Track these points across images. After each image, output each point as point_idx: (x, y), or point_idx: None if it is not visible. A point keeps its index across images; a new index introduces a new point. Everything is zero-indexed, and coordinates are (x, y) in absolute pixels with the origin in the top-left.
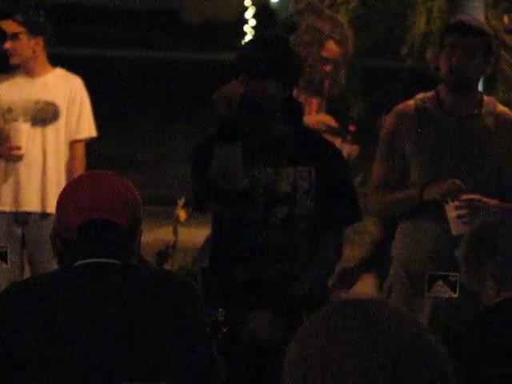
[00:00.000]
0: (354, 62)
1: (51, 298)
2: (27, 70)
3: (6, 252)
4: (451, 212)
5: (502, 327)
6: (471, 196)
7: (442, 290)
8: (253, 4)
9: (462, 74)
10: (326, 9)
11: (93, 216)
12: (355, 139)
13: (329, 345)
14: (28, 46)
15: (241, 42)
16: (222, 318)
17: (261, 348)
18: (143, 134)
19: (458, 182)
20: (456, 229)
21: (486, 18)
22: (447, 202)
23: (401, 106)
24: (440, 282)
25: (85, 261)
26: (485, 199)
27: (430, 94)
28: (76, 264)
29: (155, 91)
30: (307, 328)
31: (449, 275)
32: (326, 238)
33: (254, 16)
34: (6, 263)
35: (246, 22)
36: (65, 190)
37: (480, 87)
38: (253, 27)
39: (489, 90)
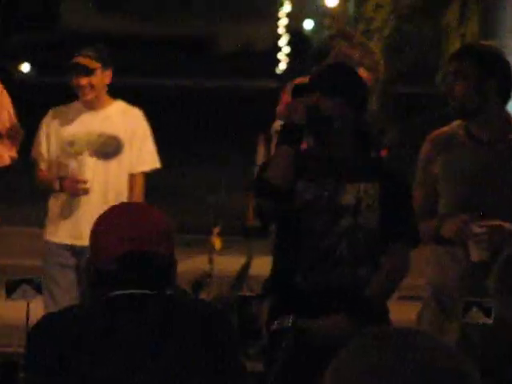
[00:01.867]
0: (388, 89)
1: (87, 329)
2: (87, 102)
3: (40, 283)
4: (473, 240)
5: None
6: (490, 222)
7: (477, 316)
8: (287, 32)
9: (451, 100)
10: (358, 35)
11: (133, 247)
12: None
13: (365, 375)
14: (102, 80)
15: (275, 70)
16: (289, 325)
17: (331, 351)
18: (180, 162)
19: (464, 216)
20: (475, 255)
21: None
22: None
23: (435, 132)
24: (475, 309)
25: (122, 292)
26: (505, 224)
27: (464, 121)
28: (113, 294)
29: (191, 118)
30: (344, 356)
31: (483, 301)
32: (390, 254)
33: (288, 43)
34: (41, 293)
35: (279, 49)
36: (100, 220)
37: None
38: (287, 54)
39: None
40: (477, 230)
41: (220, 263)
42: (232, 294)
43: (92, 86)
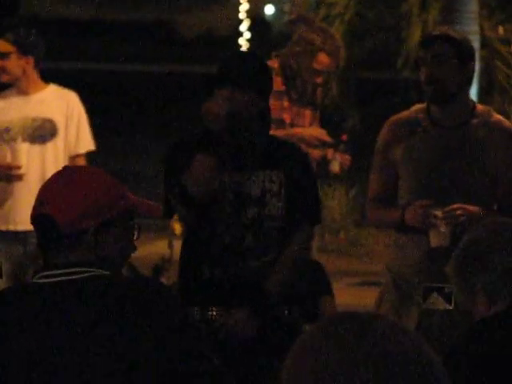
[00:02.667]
0: (349, 74)
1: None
2: (20, 88)
3: (0, 267)
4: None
5: (492, 342)
6: (452, 206)
7: (437, 302)
8: (247, 17)
9: (433, 84)
10: (318, 20)
11: (39, 211)
12: (348, 149)
13: (324, 358)
14: (17, 65)
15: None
16: (198, 317)
17: (236, 344)
18: (137, 147)
19: (424, 201)
20: (434, 240)
21: (481, 29)
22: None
23: (394, 117)
24: (435, 294)
25: (46, 275)
26: (466, 206)
27: (422, 105)
28: (36, 279)
29: (149, 104)
30: (303, 341)
31: (444, 287)
32: (292, 239)
33: (249, 29)
34: (1, 277)
35: (241, 34)
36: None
37: (474, 98)
38: (248, 40)
39: (485, 101)
40: (437, 214)
41: (180, 248)
42: None
43: (5, 70)
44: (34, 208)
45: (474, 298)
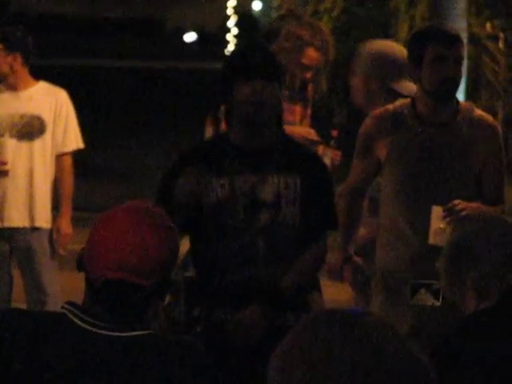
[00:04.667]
0: (337, 70)
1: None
2: (9, 85)
3: None
4: (436, 222)
5: (480, 338)
6: (452, 202)
7: (425, 299)
8: (235, 13)
9: (454, 84)
10: (307, 16)
11: (115, 276)
12: (338, 145)
13: (311, 355)
14: (5, 62)
15: (223, 51)
16: (197, 314)
17: (243, 343)
18: (127, 144)
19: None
20: (434, 238)
21: (469, 25)
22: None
23: (378, 111)
24: (423, 291)
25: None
26: (466, 202)
27: (407, 101)
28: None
29: (138, 100)
30: (290, 338)
31: (432, 283)
32: (310, 246)
33: (237, 24)
34: None
35: (228, 30)
36: (99, 225)
37: (462, 95)
38: (235, 36)
39: (472, 97)
40: (440, 225)
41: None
42: (179, 275)
43: None
44: (109, 270)
45: (463, 293)
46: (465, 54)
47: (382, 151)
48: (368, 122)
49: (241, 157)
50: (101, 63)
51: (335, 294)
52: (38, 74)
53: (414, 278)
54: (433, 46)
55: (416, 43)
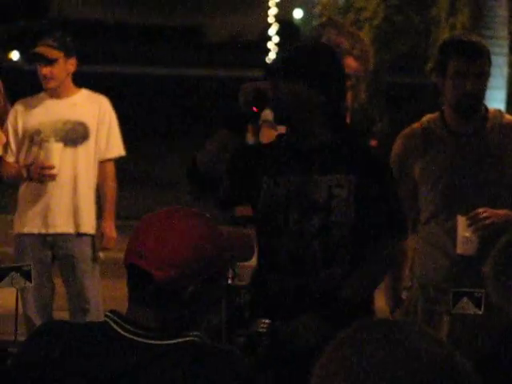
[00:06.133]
0: (379, 78)
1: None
2: (55, 92)
3: (30, 270)
4: (462, 231)
5: None
6: (476, 210)
7: (467, 307)
8: (276, 21)
9: (475, 99)
10: (347, 25)
11: (136, 261)
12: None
13: (355, 364)
14: (64, 69)
15: (265, 59)
16: (264, 330)
17: (306, 353)
18: (168, 150)
19: None
20: (461, 247)
21: (510, 33)
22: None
23: (407, 129)
24: (465, 299)
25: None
26: (491, 209)
27: (434, 115)
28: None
29: (180, 108)
30: (334, 347)
31: (473, 292)
32: (370, 252)
33: (278, 33)
34: (30, 282)
35: (269, 38)
36: (142, 219)
37: (502, 103)
38: (276, 44)
39: None
40: (465, 233)
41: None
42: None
43: (53, 76)
44: (130, 254)
45: (509, 299)
46: (488, 67)
47: (416, 170)
48: (397, 144)
49: (290, 156)
50: (140, 71)
51: (378, 300)
52: (79, 80)
53: (454, 287)
54: (454, 61)
55: (440, 55)
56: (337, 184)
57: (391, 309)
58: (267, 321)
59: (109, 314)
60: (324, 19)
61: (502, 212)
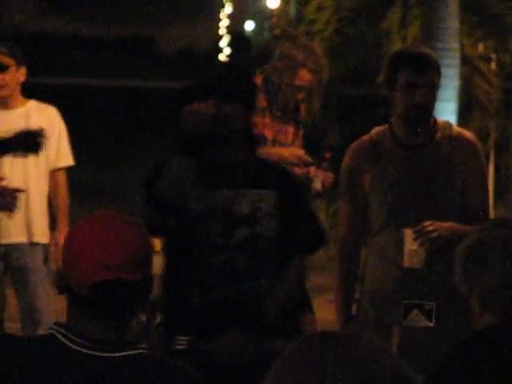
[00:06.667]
0: (329, 91)
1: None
2: (4, 102)
3: None
4: (408, 244)
5: (484, 359)
6: (422, 224)
7: (418, 319)
8: (227, 33)
9: (424, 111)
10: (301, 37)
11: (106, 276)
12: (331, 167)
13: (304, 377)
14: (15, 78)
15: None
16: (184, 347)
17: (230, 368)
18: (118, 162)
19: None
20: (408, 260)
21: (461, 45)
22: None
23: (356, 142)
24: (415, 311)
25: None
26: (437, 222)
27: (383, 127)
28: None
29: (132, 119)
30: (283, 359)
31: (424, 304)
32: (288, 266)
33: (229, 44)
34: None
35: (220, 50)
36: (72, 238)
37: (454, 115)
38: (228, 55)
39: (464, 118)
40: (412, 247)
41: (160, 263)
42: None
43: (6, 83)
44: (94, 273)
45: (470, 299)
46: (438, 79)
47: (365, 183)
48: (347, 157)
49: (214, 172)
50: (89, 82)
51: (328, 314)
52: (31, 91)
53: (403, 298)
54: (404, 72)
55: (389, 67)
56: (260, 198)
57: (342, 322)
58: (186, 338)
59: (54, 326)
60: (276, 31)
61: (447, 225)
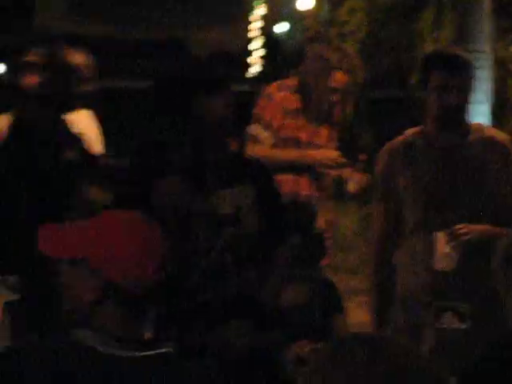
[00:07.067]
0: (363, 92)
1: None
2: None
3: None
4: (440, 247)
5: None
6: (455, 227)
7: (451, 321)
8: (261, 34)
9: (457, 113)
10: (335, 39)
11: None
12: (366, 168)
13: (335, 381)
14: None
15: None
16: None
17: (230, 359)
18: None
19: None
20: (440, 263)
21: (494, 48)
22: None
23: (389, 145)
24: (449, 313)
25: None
26: (470, 225)
27: (417, 128)
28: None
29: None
30: (315, 362)
31: (458, 306)
32: (278, 252)
33: (262, 46)
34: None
35: (251, 52)
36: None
37: (488, 118)
38: (260, 57)
39: (498, 120)
40: (445, 250)
41: None
42: None
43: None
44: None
45: (507, 300)
46: (471, 81)
47: (400, 185)
48: (382, 158)
49: (195, 173)
50: (120, 84)
51: (361, 316)
52: None
53: (434, 301)
54: (436, 74)
55: (422, 69)
56: (239, 197)
57: (376, 325)
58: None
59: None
60: (309, 33)
61: (480, 227)
